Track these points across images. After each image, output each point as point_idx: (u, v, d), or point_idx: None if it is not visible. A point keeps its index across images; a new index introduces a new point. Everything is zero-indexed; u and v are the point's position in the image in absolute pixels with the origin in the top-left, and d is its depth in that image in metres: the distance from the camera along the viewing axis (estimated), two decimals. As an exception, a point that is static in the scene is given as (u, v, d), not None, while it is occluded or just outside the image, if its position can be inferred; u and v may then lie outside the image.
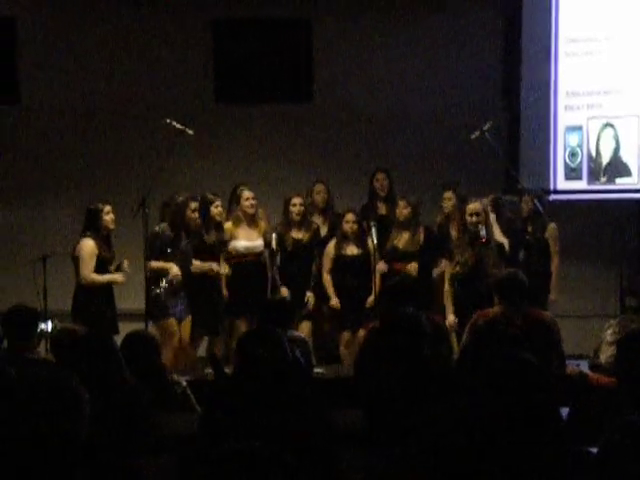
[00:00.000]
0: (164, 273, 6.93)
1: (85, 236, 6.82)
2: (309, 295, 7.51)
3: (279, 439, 2.92)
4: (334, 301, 7.44)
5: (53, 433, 2.73)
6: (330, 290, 7.47)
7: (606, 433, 2.56)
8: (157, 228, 7.04)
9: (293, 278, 7.50)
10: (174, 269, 6.93)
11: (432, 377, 4.25)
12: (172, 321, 6.97)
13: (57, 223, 8.60)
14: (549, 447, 3.10)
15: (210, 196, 7.36)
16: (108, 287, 6.93)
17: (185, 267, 7.06)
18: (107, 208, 6.88)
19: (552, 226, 7.56)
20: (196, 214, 7.13)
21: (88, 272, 6.79)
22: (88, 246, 6.80)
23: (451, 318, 6.78)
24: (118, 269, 6.96)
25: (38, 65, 8.95)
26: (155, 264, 6.94)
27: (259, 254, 7.47)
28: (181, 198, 7.07)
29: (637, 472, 2.49)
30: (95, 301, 6.79)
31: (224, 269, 7.33)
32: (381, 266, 7.36)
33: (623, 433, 2.51)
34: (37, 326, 5.08)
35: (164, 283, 6.91)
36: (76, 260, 6.85)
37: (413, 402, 4.02)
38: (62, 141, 8.93)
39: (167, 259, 6.99)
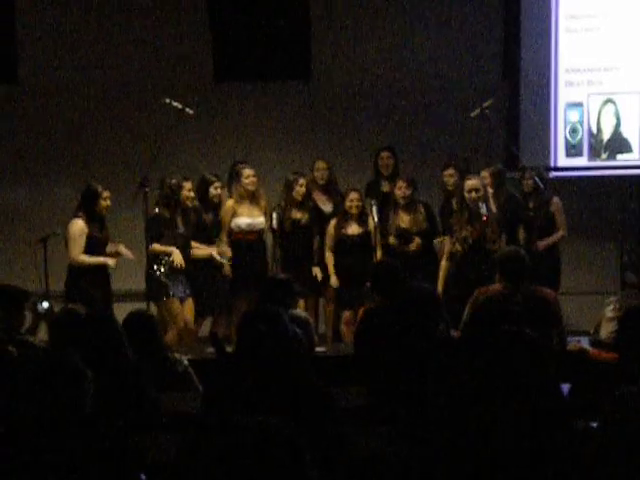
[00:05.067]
0: (166, 256, 6.92)
1: (76, 216, 6.81)
2: (316, 269, 7.52)
3: (281, 416, 2.92)
4: (333, 280, 7.46)
5: (56, 411, 2.75)
6: (331, 269, 7.49)
7: (606, 404, 2.58)
8: (156, 211, 6.99)
9: (294, 258, 7.51)
10: (176, 255, 6.91)
11: (441, 353, 4.25)
12: (174, 301, 6.96)
13: (57, 203, 8.58)
14: (551, 422, 3.11)
15: (209, 177, 7.36)
16: (101, 269, 6.90)
17: (184, 250, 7.06)
18: (106, 194, 6.87)
19: (556, 200, 7.56)
20: (192, 193, 7.11)
21: (77, 252, 6.76)
22: (77, 226, 6.79)
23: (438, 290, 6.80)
24: (117, 254, 6.95)
25: (37, 44, 8.90)
26: (157, 247, 6.93)
27: (260, 232, 7.47)
28: (174, 180, 7.03)
29: (637, 441, 2.50)
30: (85, 282, 6.77)
31: (225, 252, 7.28)
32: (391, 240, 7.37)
33: (622, 403, 2.53)
34: (22, 307, 5.12)
35: (162, 268, 6.90)
36: (66, 240, 6.85)
37: (419, 378, 4.03)
38: (61, 121, 8.90)
39: (165, 243, 6.97)
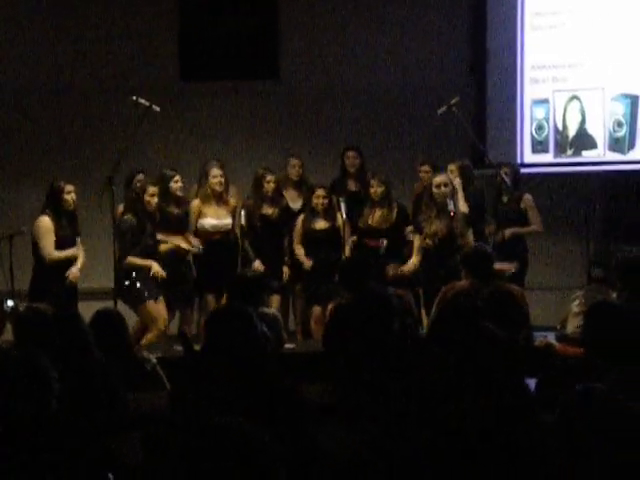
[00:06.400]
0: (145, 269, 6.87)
1: (43, 213, 6.74)
2: (285, 270, 7.52)
3: (249, 415, 2.93)
4: (307, 264, 7.43)
5: (21, 412, 2.72)
6: (302, 257, 7.47)
7: (562, 400, 2.61)
8: (127, 221, 6.88)
9: (265, 254, 7.50)
10: (155, 267, 6.86)
11: (402, 351, 4.27)
12: (151, 303, 6.89)
13: (24, 202, 8.50)
14: (517, 417, 3.13)
15: (168, 172, 7.31)
16: (66, 267, 6.80)
17: (153, 254, 7.02)
18: (69, 187, 6.79)
19: (527, 197, 7.61)
20: (155, 199, 7.04)
21: (49, 250, 6.69)
22: (43, 223, 6.71)
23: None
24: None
25: (2, 43, 8.83)
26: (136, 261, 6.85)
27: (227, 232, 7.44)
28: (139, 184, 6.98)
29: (592, 435, 2.53)
30: (50, 282, 6.68)
31: (195, 244, 7.26)
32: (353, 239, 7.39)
33: (578, 399, 2.56)
34: None
35: (134, 274, 6.84)
36: (33, 239, 6.77)
37: (383, 375, 4.04)
38: (28, 120, 8.83)
39: (136, 250, 6.91)
